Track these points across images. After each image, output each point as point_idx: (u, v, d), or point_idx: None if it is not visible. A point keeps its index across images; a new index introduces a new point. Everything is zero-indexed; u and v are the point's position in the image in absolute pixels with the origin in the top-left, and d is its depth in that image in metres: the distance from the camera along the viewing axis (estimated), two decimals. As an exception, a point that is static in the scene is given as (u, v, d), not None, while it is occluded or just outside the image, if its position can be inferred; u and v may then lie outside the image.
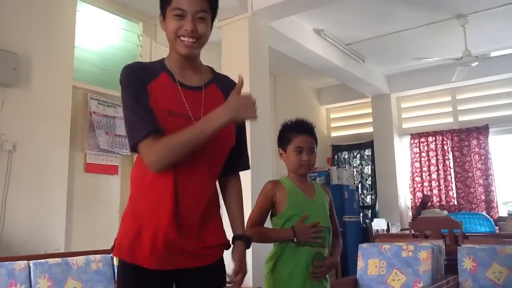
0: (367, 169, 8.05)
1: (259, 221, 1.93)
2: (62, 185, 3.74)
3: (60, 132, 3.79)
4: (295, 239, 1.83)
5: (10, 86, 3.46)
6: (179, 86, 1.43)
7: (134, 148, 1.35)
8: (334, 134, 8.45)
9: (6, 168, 3.38)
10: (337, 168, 7.35)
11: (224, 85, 1.52)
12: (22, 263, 2.39)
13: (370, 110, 7.70)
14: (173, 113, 1.38)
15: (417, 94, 7.49)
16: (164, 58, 1.51)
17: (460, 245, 3.23)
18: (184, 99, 1.41)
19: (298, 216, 1.87)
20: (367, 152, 8.05)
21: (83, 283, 2.57)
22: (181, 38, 1.40)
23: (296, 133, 1.95)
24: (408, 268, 3.12)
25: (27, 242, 3.40)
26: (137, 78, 1.40)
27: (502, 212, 6.48)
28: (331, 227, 1.98)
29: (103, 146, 4.09)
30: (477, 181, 6.79)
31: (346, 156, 8.26)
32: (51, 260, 2.52)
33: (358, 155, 8.16)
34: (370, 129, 7.75)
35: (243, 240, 1.52)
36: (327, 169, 6.85)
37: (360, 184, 8.04)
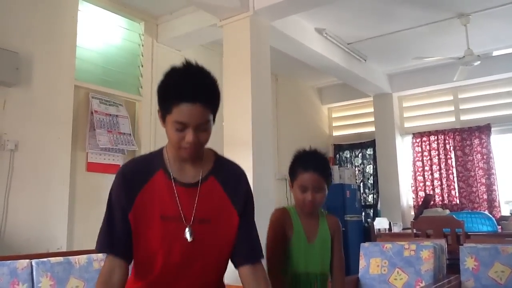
0: (369, 168, 8.04)
1: (278, 258, 1.75)
2: (64, 184, 3.74)
3: (61, 131, 3.79)
4: None
5: (11, 86, 3.47)
6: (173, 185, 1.39)
7: (97, 250, 1.44)
8: (335, 133, 8.44)
9: (8, 167, 3.39)
10: (339, 167, 7.35)
11: (225, 176, 1.45)
12: (25, 262, 2.39)
13: (371, 109, 7.69)
14: (166, 218, 1.36)
15: (419, 93, 7.48)
16: (164, 148, 1.45)
17: (462, 245, 3.23)
18: (177, 200, 1.37)
19: (293, 263, 1.75)
20: (369, 151, 8.04)
21: (85, 282, 2.57)
22: (183, 146, 1.34)
23: (302, 169, 1.76)
24: (410, 268, 3.12)
25: (29, 241, 3.41)
26: (128, 188, 1.38)
27: (505, 211, 6.47)
28: (332, 266, 1.84)
29: (102, 145, 4.09)
30: (479, 180, 6.78)
31: (348, 155, 8.26)
32: (53, 259, 2.52)
33: (360, 154, 8.15)
34: (372, 128, 7.75)
35: None
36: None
37: (362, 183, 8.03)
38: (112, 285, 1.36)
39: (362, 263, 3.29)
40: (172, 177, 1.39)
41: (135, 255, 1.40)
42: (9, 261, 2.34)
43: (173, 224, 1.36)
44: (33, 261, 2.43)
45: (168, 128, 1.34)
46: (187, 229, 1.36)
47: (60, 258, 2.56)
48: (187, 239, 1.35)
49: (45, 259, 2.49)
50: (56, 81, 3.80)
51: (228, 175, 1.46)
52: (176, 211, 1.36)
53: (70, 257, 2.61)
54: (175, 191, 1.38)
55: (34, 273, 2.40)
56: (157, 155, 1.44)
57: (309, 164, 1.76)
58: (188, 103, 1.28)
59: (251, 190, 1.50)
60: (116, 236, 1.38)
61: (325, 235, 1.81)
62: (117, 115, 4.31)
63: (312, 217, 1.82)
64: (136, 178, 1.39)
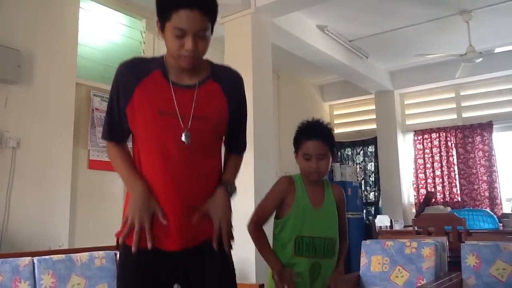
0: (371, 166, 8.04)
1: (265, 216, 1.88)
2: (66, 182, 3.75)
3: (63, 129, 3.79)
4: (275, 276, 1.76)
5: (13, 83, 3.47)
6: (171, 85, 1.44)
7: (102, 138, 1.61)
8: (337, 130, 8.43)
9: (10, 164, 3.39)
10: (340, 164, 7.35)
11: (222, 77, 1.53)
12: (26, 259, 2.39)
13: (373, 107, 7.68)
14: (164, 112, 1.41)
15: (421, 90, 7.47)
16: (163, 56, 1.51)
17: (463, 242, 3.23)
18: (174, 98, 1.43)
19: (296, 227, 1.80)
20: (371, 148, 8.04)
21: (86, 280, 2.58)
22: (182, 54, 1.39)
23: (306, 138, 1.84)
24: (411, 265, 3.12)
25: (31, 239, 3.41)
26: (127, 79, 1.45)
27: (506, 208, 6.47)
28: (339, 232, 1.91)
29: (102, 144, 4.08)
30: (481, 178, 6.77)
31: (349, 153, 8.26)
32: (55, 257, 2.53)
33: (362, 152, 8.15)
34: (373, 126, 7.74)
35: (226, 186, 1.51)
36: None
37: (363, 181, 8.03)
38: (126, 150, 1.55)
39: (363, 260, 3.29)
40: (169, 79, 1.44)
41: (138, 149, 1.48)
42: (11, 259, 2.35)
43: (169, 121, 1.41)
44: (35, 259, 2.43)
45: (167, 37, 1.39)
46: (184, 133, 1.41)
47: (62, 256, 2.56)
48: (183, 139, 1.40)
49: (47, 257, 2.49)
50: (57, 79, 3.80)
51: (227, 78, 1.53)
52: (172, 108, 1.41)
53: (72, 254, 2.62)
54: (172, 91, 1.43)
55: (36, 270, 2.40)
56: (157, 59, 1.50)
57: (312, 132, 1.84)
58: (187, 8, 1.33)
59: (244, 93, 1.61)
60: (116, 126, 1.51)
61: (330, 202, 1.89)
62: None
63: (317, 185, 1.89)
64: (134, 72, 1.45)
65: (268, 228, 1.91)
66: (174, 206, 1.42)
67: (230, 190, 1.52)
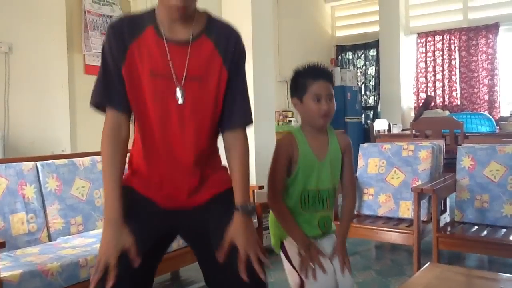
0: (371, 70, 7.94)
1: (280, 188, 1.76)
2: (63, 87, 3.71)
3: (56, 32, 3.67)
4: (302, 252, 1.70)
5: (-1, -16, 3.29)
6: (165, 42, 1.35)
7: (92, 104, 1.41)
8: (338, 33, 8.20)
9: (4, 70, 3.34)
10: (340, 69, 7.25)
11: (217, 35, 1.41)
12: (30, 164, 2.44)
13: (376, 8, 7.40)
14: (155, 74, 1.34)
15: (427, -11, 7.15)
16: (155, 8, 1.40)
17: (460, 145, 3.27)
18: (169, 57, 1.35)
19: (302, 182, 1.75)
20: (372, 52, 7.89)
21: (90, 182, 2.65)
22: (172, 3, 1.28)
23: (313, 79, 1.71)
24: (407, 167, 3.19)
25: (34, 144, 3.46)
26: (118, 41, 1.35)
27: (504, 112, 6.50)
28: (343, 183, 1.85)
29: (96, 49, 3.97)
30: (481, 81, 6.73)
31: (350, 57, 8.11)
32: (57, 161, 2.58)
33: (363, 56, 8.00)
34: (375, 28, 7.52)
35: (241, 210, 1.37)
36: (330, 70, 6.76)
37: (363, 85, 7.99)
38: (122, 141, 1.39)
39: (360, 162, 3.37)
40: (163, 35, 1.37)
41: (134, 115, 1.41)
42: (15, 163, 2.39)
43: (164, 82, 1.35)
44: (38, 163, 2.48)
45: None
46: (177, 89, 1.35)
47: (65, 160, 2.61)
48: (177, 98, 1.35)
49: (50, 161, 2.54)
50: (45, -22, 3.60)
51: (221, 34, 1.42)
52: (167, 69, 1.35)
53: (74, 159, 2.67)
54: (166, 48, 1.36)
55: (40, 174, 2.46)
56: (148, 13, 1.41)
57: (318, 73, 1.74)
58: None
59: (244, 51, 1.47)
60: (114, 88, 1.37)
61: (335, 151, 1.80)
62: (110, 16, 4.13)
63: (321, 134, 1.80)
64: (125, 31, 1.36)
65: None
66: (174, 167, 1.39)
67: (249, 212, 1.39)
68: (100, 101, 1.39)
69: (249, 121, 1.47)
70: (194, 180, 1.40)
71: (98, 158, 2.71)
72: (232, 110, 1.43)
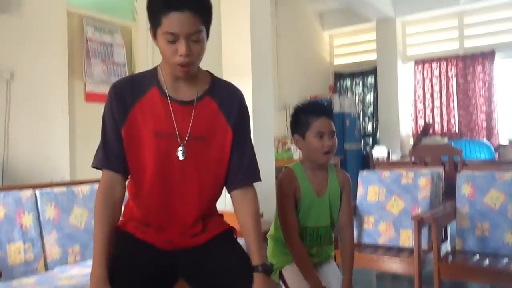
0: (369, 97, 8.00)
1: (293, 227, 1.74)
2: (64, 114, 3.72)
3: (57, 60, 3.70)
4: None
5: (1, 13, 3.34)
6: (169, 102, 1.38)
7: (93, 166, 1.49)
8: (336, 61, 8.30)
9: (6, 97, 3.35)
10: (339, 96, 7.30)
11: (221, 96, 1.44)
12: (29, 192, 2.43)
13: (374, 36, 7.51)
14: (159, 134, 1.37)
15: (423, 18, 7.27)
16: (158, 66, 1.44)
17: (459, 172, 3.26)
18: (173, 116, 1.38)
19: (301, 219, 1.76)
20: (370, 79, 7.96)
21: (89, 211, 2.63)
22: (177, 61, 1.31)
23: (316, 116, 1.73)
24: (407, 195, 3.18)
25: (33, 172, 3.45)
26: (120, 102, 1.38)
27: (503, 139, 6.52)
28: (340, 222, 1.84)
29: (97, 76, 4.01)
30: (479, 108, 6.77)
31: (349, 84, 8.18)
32: (56, 189, 2.56)
33: (361, 83, 8.08)
34: (373, 56, 7.61)
35: (262, 271, 1.36)
36: (328, 97, 6.81)
37: (361, 112, 8.04)
38: (115, 200, 1.41)
39: (360, 190, 3.35)
40: (167, 95, 1.39)
41: (131, 173, 1.42)
42: (13, 191, 2.38)
43: (167, 141, 1.37)
44: (37, 191, 2.47)
45: (160, 43, 1.32)
46: (180, 148, 1.37)
47: (64, 188, 2.60)
48: (178, 155, 1.37)
49: (48, 189, 2.53)
50: (47, 7, 3.65)
51: (224, 94, 1.45)
52: (171, 128, 1.37)
53: (73, 186, 2.65)
54: (171, 108, 1.38)
55: (38, 202, 2.44)
56: (151, 73, 1.44)
57: (321, 110, 1.76)
58: (176, 11, 1.26)
59: (247, 109, 1.50)
60: (111, 151, 1.41)
61: (334, 188, 1.81)
62: (111, 44, 4.18)
63: (321, 171, 1.80)
64: (129, 93, 1.39)
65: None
66: (173, 224, 1.42)
67: (269, 270, 1.39)
68: (97, 164, 1.46)
69: (257, 178, 1.49)
70: (196, 229, 1.44)
71: (96, 186, 2.68)
72: (239, 168, 1.45)
